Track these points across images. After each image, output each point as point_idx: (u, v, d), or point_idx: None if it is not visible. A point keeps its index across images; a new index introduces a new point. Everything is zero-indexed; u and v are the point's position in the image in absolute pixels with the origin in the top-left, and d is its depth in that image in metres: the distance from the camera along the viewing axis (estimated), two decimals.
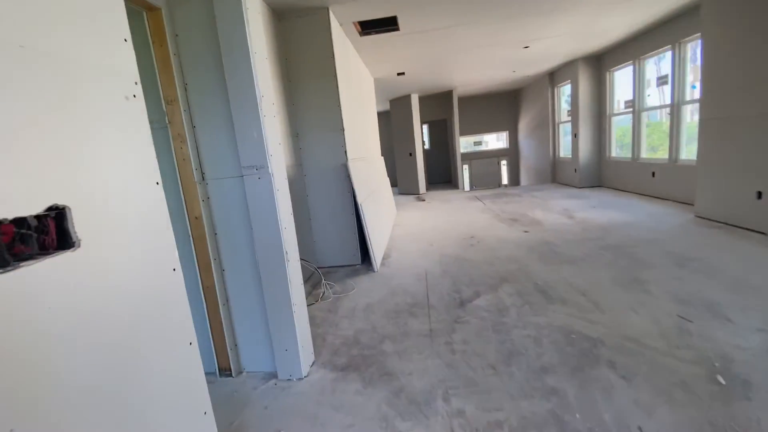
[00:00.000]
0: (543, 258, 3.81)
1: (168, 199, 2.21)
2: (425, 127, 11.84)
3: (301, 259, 3.73)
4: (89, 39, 0.94)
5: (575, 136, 8.23)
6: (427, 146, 12.08)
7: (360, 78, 5.69)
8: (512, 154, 12.89)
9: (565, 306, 2.69)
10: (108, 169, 0.97)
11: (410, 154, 9.93)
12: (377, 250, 4.06)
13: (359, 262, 4.15)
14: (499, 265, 3.72)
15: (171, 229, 1.24)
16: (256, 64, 1.86)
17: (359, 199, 3.89)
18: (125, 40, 1.06)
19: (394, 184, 9.12)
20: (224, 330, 2.15)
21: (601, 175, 8.12)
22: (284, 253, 1.99)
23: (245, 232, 2.06)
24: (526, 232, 4.87)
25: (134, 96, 1.06)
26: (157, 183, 2.08)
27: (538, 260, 3.75)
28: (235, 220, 2.07)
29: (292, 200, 2.20)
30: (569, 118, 8.77)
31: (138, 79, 1.08)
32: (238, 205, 2.04)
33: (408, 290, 3.29)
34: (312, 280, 3.73)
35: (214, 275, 2.10)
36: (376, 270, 3.87)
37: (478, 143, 13.60)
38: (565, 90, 9.16)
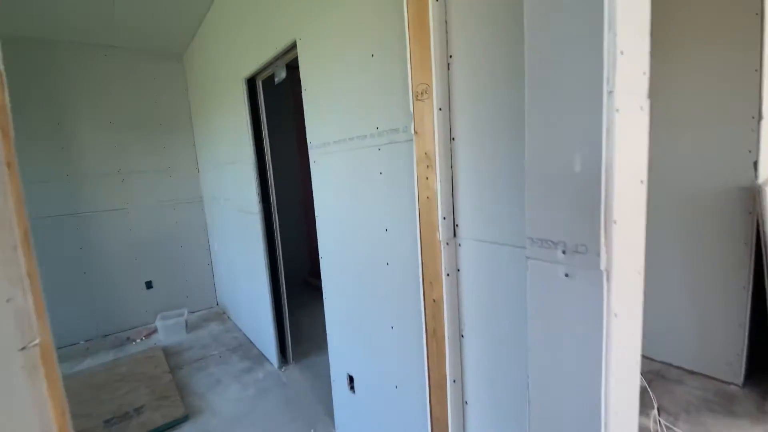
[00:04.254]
0: None
1: (397, 259, 1.27)
2: None
3: None
4: None
5: None
6: None
7: None
8: None
9: None
10: None
11: None
12: None
13: (740, 379, 2.10)
14: None
15: None
16: None
17: None
18: None
19: None
20: None
21: None
22: None
23: (522, 353, 0.97)
24: None
25: None
26: (386, 230, 1.33)
27: None
28: (503, 323, 1.01)
29: None
30: None
31: None
32: (514, 299, 0.97)
33: None
34: None
35: (449, 406, 1.16)
36: None
37: None
38: None
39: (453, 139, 1.05)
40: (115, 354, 3.00)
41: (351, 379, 1.77)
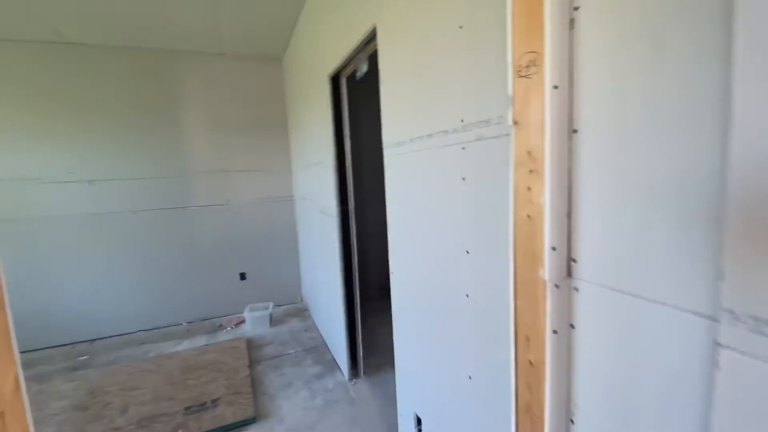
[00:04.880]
0: None
1: (480, 293, 0.82)
2: None
3: None
4: None
5: None
6: None
7: None
8: None
9: None
10: None
11: None
12: None
13: None
14: None
15: None
16: None
17: None
18: None
19: None
20: None
21: None
22: None
23: None
24: None
25: None
26: (467, 252, 1.01)
27: None
28: (650, 421, 0.63)
29: None
30: None
31: None
32: (674, 392, 0.59)
33: None
34: None
35: None
36: None
37: None
38: None
39: (575, 131, 0.70)
40: (207, 339, 3.23)
41: (419, 420, 1.50)
